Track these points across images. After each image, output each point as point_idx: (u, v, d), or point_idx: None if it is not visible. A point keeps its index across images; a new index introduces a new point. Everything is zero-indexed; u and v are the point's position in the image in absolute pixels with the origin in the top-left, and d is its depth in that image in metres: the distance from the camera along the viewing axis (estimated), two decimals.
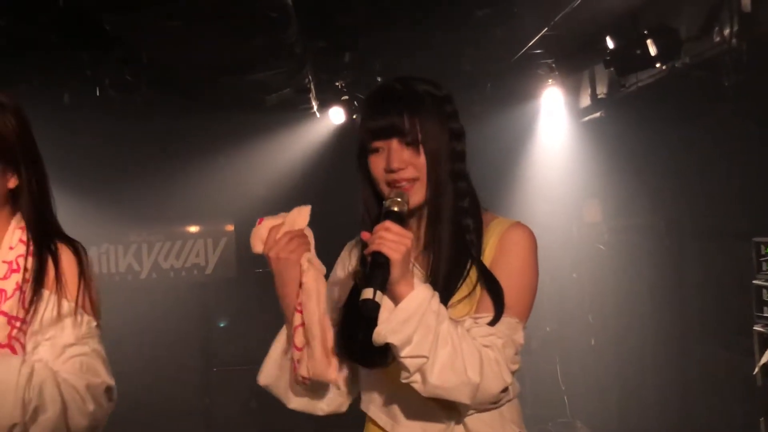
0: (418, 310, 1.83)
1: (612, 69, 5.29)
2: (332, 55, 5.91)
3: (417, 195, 1.99)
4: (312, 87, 6.76)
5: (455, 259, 1.98)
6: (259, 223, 2.07)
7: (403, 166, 1.97)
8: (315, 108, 7.66)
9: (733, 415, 4.96)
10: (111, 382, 1.99)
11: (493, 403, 1.95)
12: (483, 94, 7.11)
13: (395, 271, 1.82)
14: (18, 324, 1.92)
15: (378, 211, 1.99)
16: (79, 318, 1.97)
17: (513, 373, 1.93)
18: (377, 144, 1.99)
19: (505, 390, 1.92)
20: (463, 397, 1.86)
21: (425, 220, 2.04)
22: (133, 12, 4.53)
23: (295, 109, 7.53)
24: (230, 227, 8.21)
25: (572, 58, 6.11)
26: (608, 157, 6.44)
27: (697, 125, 5.16)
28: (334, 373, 2.04)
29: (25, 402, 1.82)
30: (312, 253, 2.04)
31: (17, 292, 1.93)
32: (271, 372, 2.14)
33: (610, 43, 5.14)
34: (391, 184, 1.98)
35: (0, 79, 5.60)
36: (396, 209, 1.91)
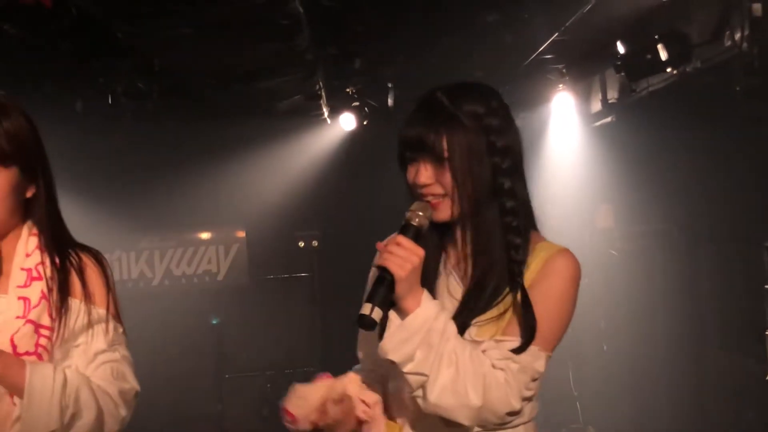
0: (421, 328, 1.80)
1: (623, 74, 5.28)
2: (343, 61, 5.92)
3: (443, 212, 1.94)
4: (323, 93, 6.77)
5: (491, 280, 1.93)
6: (293, 420, 1.99)
7: (429, 181, 1.92)
8: (326, 114, 7.67)
9: (747, 421, 4.94)
10: (138, 387, 2.02)
11: (499, 425, 1.91)
12: None
13: (400, 288, 1.80)
14: (46, 333, 1.93)
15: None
16: (108, 325, 2.00)
17: (527, 399, 1.90)
18: (411, 155, 1.96)
19: (514, 414, 1.88)
20: (462, 418, 1.83)
21: (463, 237, 1.99)
22: (145, 20, 4.55)
23: (306, 116, 7.55)
24: (242, 234, 8.23)
25: (583, 63, 6.10)
26: (620, 162, 6.42)
27: (708, 130, 5.15)
28: None
29: (62, 408, 1.84)
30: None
31: (43, 301, 1.93)
32: None
33: (620, 48, 5.13)
34: (417, 200, 1.94)
35: (13, 87, 5.63)
36: (414, 223, 1.88)
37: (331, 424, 1.99)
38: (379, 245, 1.87)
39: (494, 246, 1.93)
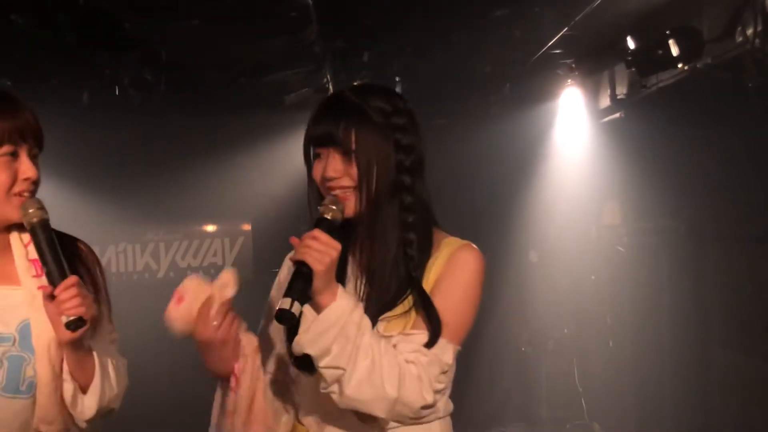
0: (338, 321, 1.81)
1: (633, 69, 5.25)
2: (351, 55, 5.90)
3: (351, 204, 1.97)
4: (330, 87, 6.75)
5: (393, 274, 1.96)
6: (179, 301, 1.99)
7: (338, 175, 1.96)
8: None
9: (753, 419, 4.92)
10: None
11: (414, 419, 1.92)
12: (501, 94, 7.08)
13: (317, 282, 1.81)
14: None
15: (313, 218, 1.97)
16: (110, 307, 2.12)
17: (438, 392, 1.91)
18: (318, 150, 1.99)
19: (427, 407, 1.90)
20: (378, 410, 1.85)
21: (369, 229, 2.01)
22: (153, 12, 4.54)
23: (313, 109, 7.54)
24: (247, 227, 8.22)
25: (592, 58, 6.07)
26: (628, 158, 6.39)
27: (718, 126, 5.12)
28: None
29: (117, 374, 2.02)
30: (243, 326, 2.04)
31: None
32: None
33: (631, 43, 5.10)
34: (328, 195, 1.97)
35: (20, 78, 5.63)
36: (328, 216, 1.90)
37: (206, 326, 1.98)
38: (294, 240, 1.87)
39: (390, 241, 1.97)
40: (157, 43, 5.36)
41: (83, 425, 1.99)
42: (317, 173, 1.99)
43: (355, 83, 2.08)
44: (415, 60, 6.03)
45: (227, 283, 2.01)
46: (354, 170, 1.96)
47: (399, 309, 1.95)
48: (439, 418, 1.99)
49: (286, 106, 6.98)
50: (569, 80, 6.67)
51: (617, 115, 6.61)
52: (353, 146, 1.95)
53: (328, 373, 1.82)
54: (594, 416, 7.16)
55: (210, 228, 8.26)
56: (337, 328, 1.80)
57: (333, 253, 1.82)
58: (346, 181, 1.96)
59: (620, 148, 6.52)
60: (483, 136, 7.28)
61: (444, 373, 1.92)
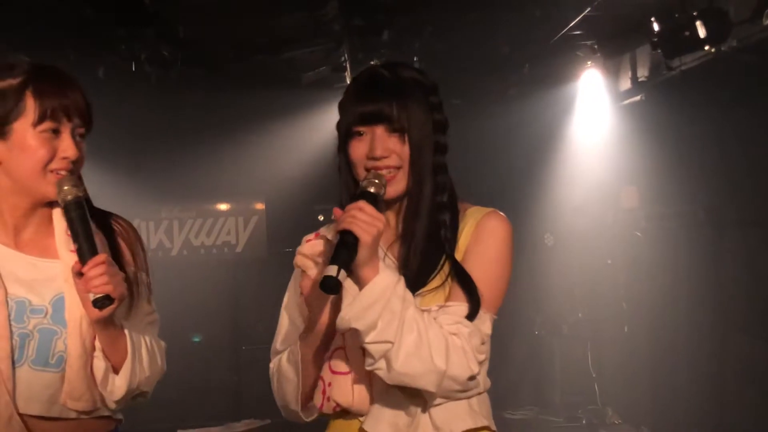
0: (383, 295, 1.78)
1: (659, 51, 5.18)
2: (370, 33, 5.85)
3: (398, 184, 1.95)
4: (348, 65, 6.70)
5: (428, 253, 1.94)
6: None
7: (387, 154, 1.92)
8: None
9: None
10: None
11: (461, 392, 1.89)
12: (520, 75, 7.02)
13: (363, 253, 1.78)
14: None
15: (354, 193, 1.92)
16: (149, 287, 2.13)
17: (480, 363, 1.89)
18: (361, 128, 1.94)
19: (473, 378, 1.88)
20: (429, 384, 1.82)
21: (403, 212, 1.99)
22: None
23: (330, 88, 7.49)
24: (261, 206, 8.21)
25: (614, 40, 6.01)
26: (648, 141, 6.34)
27: (741, 110, 5.06)
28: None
29: (151, 356, 2.03)
30: None
31: None
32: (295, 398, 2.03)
33: (655, 25, 5.03)
34: (370, 170, 1.93)
35: (36, 54, 5.59)
36: (372, 190, 1.87)
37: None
38: (337, 210, 1.84)
39: (426, 221, 1.95)
40: (175, 19, 5.33)
41: (112, 405, 2.00)
42: (359, 152, 1.94)
43: (389, 61, 2.03)
44: (434, 39, 5.98)
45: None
46: (403, 149, 1.93)
47: (433, 284, 1.93)
48: (479, 393, 1.96)
49: (303, 85, 6.94)
50: (589, 62, 6.61)
51: (638, 97, 6.55)
52: (406, 124, 1.92)
53: (374, 348, 1.79)
54: (607, 401, 7.14)
55: (224, 207, 8.26)
56: (383, 302, 1.78)
57: (380, 224, 1.80)
58: (395, 161, 1.93)
59: (640, 131, 6.47)
60: (500, 117, 7.23)
61: (483, 343, 1.90)
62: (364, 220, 1.78)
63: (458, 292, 1.91)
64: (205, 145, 7.56)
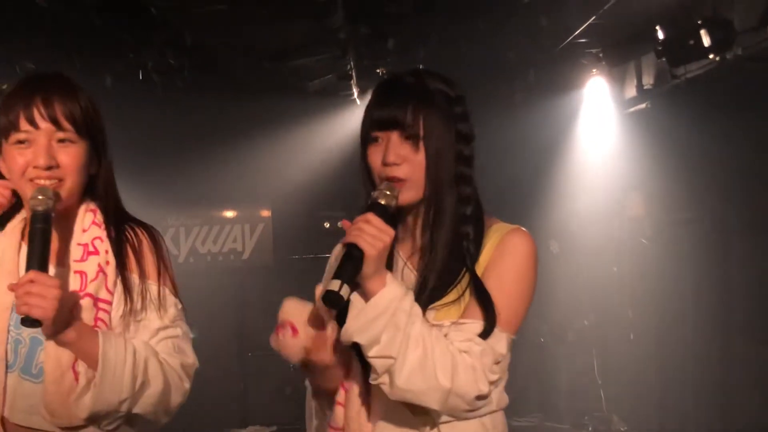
0: (388, 309, 1.75)
1: (663, 59, 5.20)
2: (376, 41, 5.88)
3: (409, 193, 1.90)
4: (353, 73, 6.73)
5: (448, 265, 1.89)
6: (294, 333, 1.91)
7: (399, 161, 1.88)
8: (355, 95, 7.63)
9: None
10: (197, 363, 2.05)
11: (468, 411, 1.84)
12: (526, 83, 7.03)
13: (369, 267, 1.75)
14: (104, 306, 1.95)
15: (366, 203, 1.89)
16: (165, 300, 2.02)
17: (492, 383, 1.84)
18: (377, 134, 1.91)
19: (482, 398, 1.83)
20: (432, 402, 1.78)
21: (421, 222, 1.95)
22: None
23: (336, 96, 7.52)
24: (267, 213, 8.22)
25: (619, 48, 6.03)
26: (653, 149, 6.34)
27: (746, 118, 5.07)
28: None
29: (133, 377, 1.88)
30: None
31: (100, 275, 1.95)
32: None
33: (660, 33, 5.05)
34: (383, 180, 1.89)
35: (43, 62, 5.62)
36: (383, 202, 1.83)
37: (326, 350, 1.92)
38: (345, 223, 1.81)
39: (447, 233, 1.90)
40: (182, 27, 5.35)
41: (80, 422, 1.91)
42: (376, 158, 1.91)
43: (418, 68, 2.01)
44: (439, 47, 6.00)
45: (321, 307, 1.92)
46: (417, 158, 1.89)
47: (449, 297, 1.88)
48: (492, 411, 1.92)
49: (309, 92, 6.96)
50: (595, 69, 6.62)
51: (643, 105, 6.56)
52: (421, 132, 1.88)
53: (378, 363, 1.76)
54: (613, 408, 7.13)
55: (230, 214, 8.27)
56: (387, 315, 1.75)
57: (386, 238, 1.76)
58: (404, 170, 1.89)
59: (645, 138, 6.47)
60: (506, 124, 7.24)
61: (497, 363, 1.84)
62: (371, 233, 1.75)
63: (474, 308, 1.86)
64: (211, 153, 7.58)
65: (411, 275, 1.94)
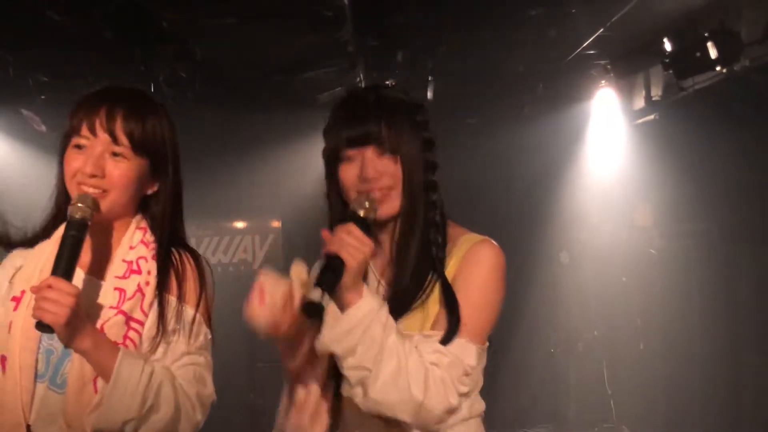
0: (364, 320, 1.76)
1: (670, 71, 5.20)
2: (385, 54, 5.90)
3: (392, 203, 1.93)
4: (363, 86, 6.75)
5: (418, 273, 1.92)
6: (261, 300, 1.91)
7: (378, 175, 1.91)
8: None
9: None
10: (215, 396, 2.05)
11: (438, 423, 1.85)
12: (534, 94, 7.04)
13: (348, 278, 1.76)
14: (136, 326, 1.95)
15: (343, 216, 1.90)
16: (198, 328, 2.02)
17: (463, 395, 1.85)
18: (351, 152, 1.93)
19: (451, 411, 1.84)
20: (404, 414, 1.79)
21: (397, 232, 1.97)
22: (189, 9, 4.56)
23: None
24: (277, 224, 8.24)
25: (628, 60, 6.03)
26: (661, 160, 6.35)
27: (753, 130, 5.07)
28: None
29: (143, 399, 1.87)
30: None
31: (138, 294, 1.96)
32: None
33: (668, 45, 5.06)
34: (362, 193, 1.91)
35: (55, 74, 5.68)
36: (362, 214, 1.84)
37: (292, 322, 1.91)
38: (326, 233, 1.82)
39: (418, 241, 1.93)
40: (193, 40, 5.38)
41: None
42: (350, 175, 1.93)
43: (370, 84, 2.03)
44: (448, 59, 6.01)
45: (300, 275, 1.94)
46: (395, 169, 1.92)
47: (416, 304, 1.90)
48: (465, 420, 1.92)
49: (318, 105, 6.99)
50: (603, 81, 6.63)
51: (652, 116, 6.56)
52: (396, 144, 1.92)
53: (352, 374, 1.78)
54: (623, 419, 7.12)
55: (240, 225, 8.30)
56: (363, 327, 1.76)
57: (367, 250, 1.77)
58: (387, 181, 1.92)
59: (654, 150, 6.48)
60: (515, 136, 7.25)
61: (467, 375, 1.85)
62: (352, 244, 1.77)
63: (442, 320, 1.87)
64: (221, 164, 7.61)
65: (382, 290, 1.97)
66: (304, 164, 8.02)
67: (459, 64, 5.99)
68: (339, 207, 1.98)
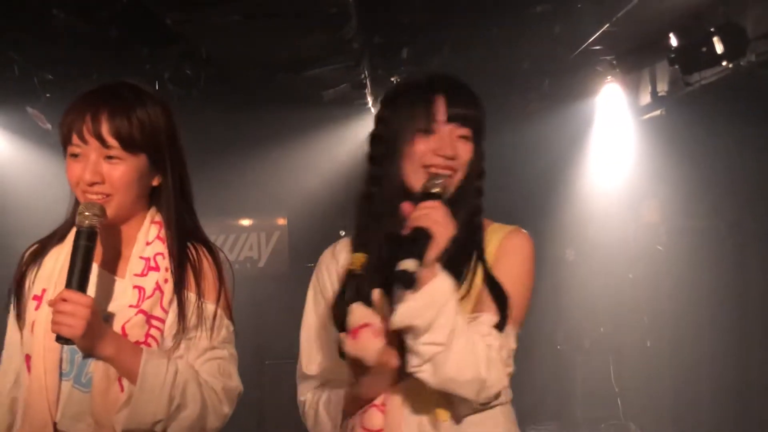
0: (442, 297, 1.78)
1: (676, 66, 5.19)
2: (390, 50, 5.90)
3: (452, 186, 1.96)
4: (368, 82, 6.75)
5: (461, 258, 1.95)
6: (376, 335, 1.87)
7: (455, 155, 1.95)
8: (370, 103, 7.66)
9: None
10: (242, 387, 2.06)
11: (489, 403, 1.90)
12: (540, 90, 7.03)
13: (432, 253, 1.77)
14: (157, 324, 1.96)
15: (400, 193, 1.93)
16: (219, 321, 2.03)
17: (509, 376, 1.90)
18: (435, 127, 1.95)
19: (503, 391, 1.90)
20: (469, 392, 1.82)
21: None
22: (194, 7, 4.57)
23: (351, 105, 7.54)
24: (283, 221, 8.25)
25: (634, 55, 6.01)
26: (668, 156, 6.33)
27: (761, 125, 5.06)
28: None
29: (171, 398, 1.89)
30: None
31: (157, 292, 1.96)
32: None
33: (673, 41, 5.05)
34: (436, 170, 1.94)
35: (60, 73, 5.69)
36: (438, 191, 1.88)
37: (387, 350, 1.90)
38: (408, 206, 1.83)
39: (462, 229, 1.93)
40: (197, 38, 5.39)
41: None
42: (425, 147, 1.95)
43: (433, 72, 2.06)
44: (454, 56, 6.01)
45: (380, 306, 1.93)
46: (464, 152, 1.96)
47: (460, 293, 1.92)
48: (502, 404, 1.97)
49: (323, 102, 6.99)
50: (609, 77, 6.61)
51: (658, 112, 6.55)
52: (478, 130, 1.99)
53: (425, 350, 1.78)
54: (630, 416, 7.11)
55: (246, 222, 8.30)
56: (440, 303, 1.77)
57: (452, 227, 1.81)
58: (456, 162, 1.96)
59: (661, 145, 6.46)
60: (521, 132, 7.24)
61: (510, 357, 1.91)
62: (440, 221, 1.79)
63: (486, 302, 1.91)
64: (227, 162, 7.62)
65: None
66: (309, 161, 8.04)
67: (464, 60, 5.98)
68: (394, 175, 1.97)
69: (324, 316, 2.10)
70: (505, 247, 1.99)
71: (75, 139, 1.93)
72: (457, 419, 1.92)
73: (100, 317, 1.86)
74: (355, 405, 1.98)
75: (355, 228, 2.06)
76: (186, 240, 2.05)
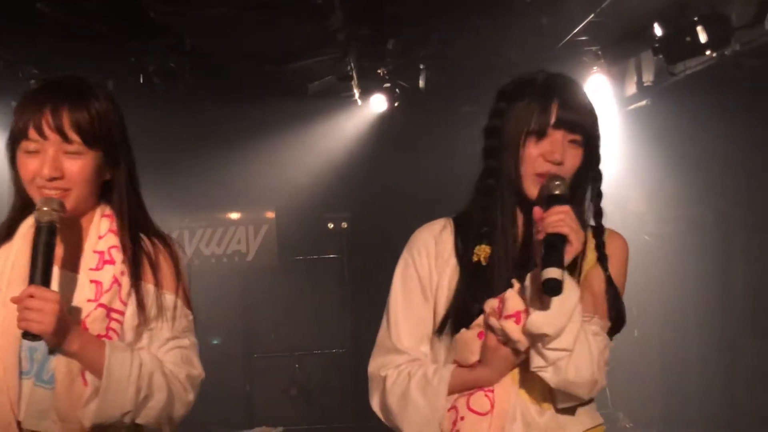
0: (570, 306, 1.82)
1: (660, 56, 5.20)
2: (375, 42, 5.88)
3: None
4: (354, 74, 6.74)
5: (579, 259, 1.95)
6: (518, 321, 1.87)
7: (563, 161, 1.93)
8: (357, 96, 7.65)
9: None
10: (204, 374, 2.04)
11: (592, 396, 1.94)
12: None
13: (567, 259, 1.81)
14: (117, 316, 1.95)
15: (516, 191, 1.95)
16: (180, 311, 2.02)
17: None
18: (550, 131, 1.94)
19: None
20: (584, 392, 1.88)
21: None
22: (179, 0, 4.55)
23: (337, 97, 7.53)
24: (271, 214, 8.25)
25: (619, 45, 6.01)
26: (654, 145, 6.35)
27: (746, 114, 5.08)
28: None
29: (137, 390, 1.88)
30: None
31: (115, 285, 1.95)
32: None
33: (658, 30, 5.05)
34: (552, 174, 1.92)
35: (45, 66, 5.65)
36: (559, 192, 1.87)
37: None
38: (539, 211, 1.84)
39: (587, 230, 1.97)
40: (183, 31, 5.36)
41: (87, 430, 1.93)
42: (536, 152, 1.94)
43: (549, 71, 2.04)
44: (440, 47, 6.00)
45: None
46: (574, 158, 1.95)
47: None
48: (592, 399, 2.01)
49: (310, 94, 6.97)
50: (595, 67, 6.61)
51: (644, 102, 6.56)
52: (591, 135, 1.98)
53: (551, 355, 1.82)
54: (618, 405, 7.13)
55: (234, 216, 8.30)
56: (570, 311, 1.82)
57: (582, 233, 1.84)
58: (563, 168, 1.94)
59: (647, 135, 6.48)
60: None
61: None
62: (574, 227, 1.81)
63: (603, 307, 1.95)
64: (214, 155, 7.60)
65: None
66: (296, 154, 8.03)
67: (450, 51, 5.98)
68: (511, 167, 1.96)
69: (414, 292, 2.05)
70: (610, 250, 2.01)
71: (33, 133, 1.90)
72: (560, 410, 1.95)
73: (66, 313, 1.85)
74: (462, 387, 1.96)
75: (474, 218, 2.01)
76: (139, 232, 2.04)
